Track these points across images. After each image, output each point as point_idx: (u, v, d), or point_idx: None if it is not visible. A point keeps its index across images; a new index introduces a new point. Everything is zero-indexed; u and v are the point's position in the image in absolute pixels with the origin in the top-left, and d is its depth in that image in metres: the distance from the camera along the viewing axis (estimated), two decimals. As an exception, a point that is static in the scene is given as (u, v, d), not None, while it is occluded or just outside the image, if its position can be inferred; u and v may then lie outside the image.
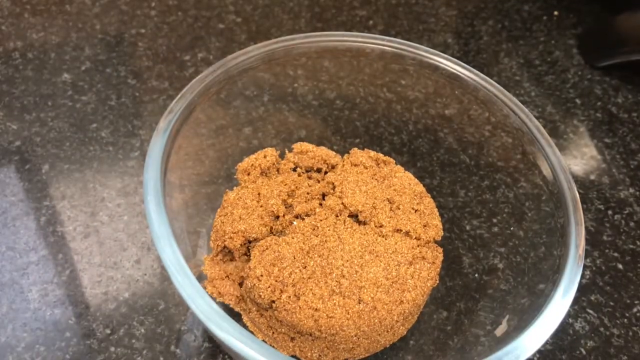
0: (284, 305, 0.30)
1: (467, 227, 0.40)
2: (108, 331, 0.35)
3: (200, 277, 0.34)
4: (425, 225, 0.34)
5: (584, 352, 0.37)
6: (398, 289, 0.31)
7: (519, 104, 0.36)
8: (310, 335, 0.31)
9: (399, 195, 0.35)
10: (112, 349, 0.34)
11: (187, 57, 0.52)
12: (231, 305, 0.33)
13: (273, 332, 0.32)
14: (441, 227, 0.35)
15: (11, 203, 0.41)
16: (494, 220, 0.39)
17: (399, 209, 0.34)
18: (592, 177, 0.47)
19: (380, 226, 0.33)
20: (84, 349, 0.34)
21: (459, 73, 0.37)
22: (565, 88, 0.54)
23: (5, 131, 0.45)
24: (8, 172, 0.42)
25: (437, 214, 0.36)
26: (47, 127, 0.46)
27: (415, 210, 0.35)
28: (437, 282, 0.34)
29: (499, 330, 0.31)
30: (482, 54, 0.57)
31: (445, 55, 0.38)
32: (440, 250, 0.35)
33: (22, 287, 0.36)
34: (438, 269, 0.34)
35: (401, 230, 0.33)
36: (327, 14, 0.59)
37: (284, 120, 0.44)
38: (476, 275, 0.38)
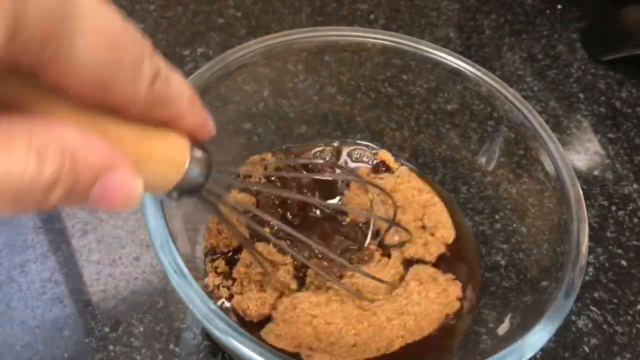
0: (281, 316, 0.30)
1: (470, 224, 0.40)
2: (107, 329, 0.35)
3: (198, 276, 0.33)
4: (426, 244, 0.35)
5: (587, 349, 0.36)
6: (401, 297, 0.31)
7: (522, 99, 0.35)
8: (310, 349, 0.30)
9: (403, 213, 0.36)
10: (111, 347, 0.34)
11: (186, 52, 0.52)
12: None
13: None
14: (451, 230, 0.36)
15: (9, 200, 0.40)
16: (497, 217, 0.38)
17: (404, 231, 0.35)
18: (596, 172, 0.47)
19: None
20: (83, 347, 0.34)
21: (460, 68, 0.37)
22: (569, 82, 0.54)
23: (4, 127, 0.45)
24: (6, 168, 0.42)
25: (446, 217, 0.36)
26: (46, 123, 0.45)
27: (422, 226, 0.35)
28: (448, 315, 0.34)
29: (501, 329, 0.31)
30: (484, 48, 0.56)
31: (447, 50, 0.37)
32: (459, 285, 0.35)
33: (20, 285, 0.36)
34: (451, 301, 0.34)
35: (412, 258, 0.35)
36: (328, 8, 0.58)
37: (284, 116, 0.43)
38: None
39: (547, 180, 0.33)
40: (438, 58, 0.37)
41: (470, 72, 0.37)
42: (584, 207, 0.31)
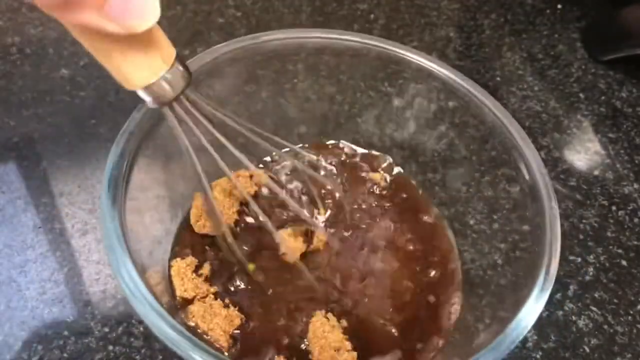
0: None
1: (471, 222, 0.39)
2: (106, 329, 0.35)
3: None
4: None
5: (587, 350, 0.36)
6: None
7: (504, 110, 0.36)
8: None
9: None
10: (111, 347, 0.34)
11: (186, 52, 0.52)
12: None
13: None
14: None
15: (9, 200, 0.40)
16: (494, 217, 0.38)
17: None
18: (596, 172, 0.47)
19: None
20: (82, 347, 0.34)
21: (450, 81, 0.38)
22: (569, 82, 0.54)
23: (3, 127, 0.45)
24: (6, 168, 0.42)
25: None
26: (45, 123, 0.45)
27: None
28: None
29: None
30: (484, 47, 0.56)
31: (442, 63, 0.38)
32: None
33: (19, 285, 0.36)
34: None
35: None
36: (328, 8, 0.58)
37: (284, 116, 0.43)
38: (479, 271, 0.37)
39: (525, 183, 0.34)
40: (431, 69, 0.38)
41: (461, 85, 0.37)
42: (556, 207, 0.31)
